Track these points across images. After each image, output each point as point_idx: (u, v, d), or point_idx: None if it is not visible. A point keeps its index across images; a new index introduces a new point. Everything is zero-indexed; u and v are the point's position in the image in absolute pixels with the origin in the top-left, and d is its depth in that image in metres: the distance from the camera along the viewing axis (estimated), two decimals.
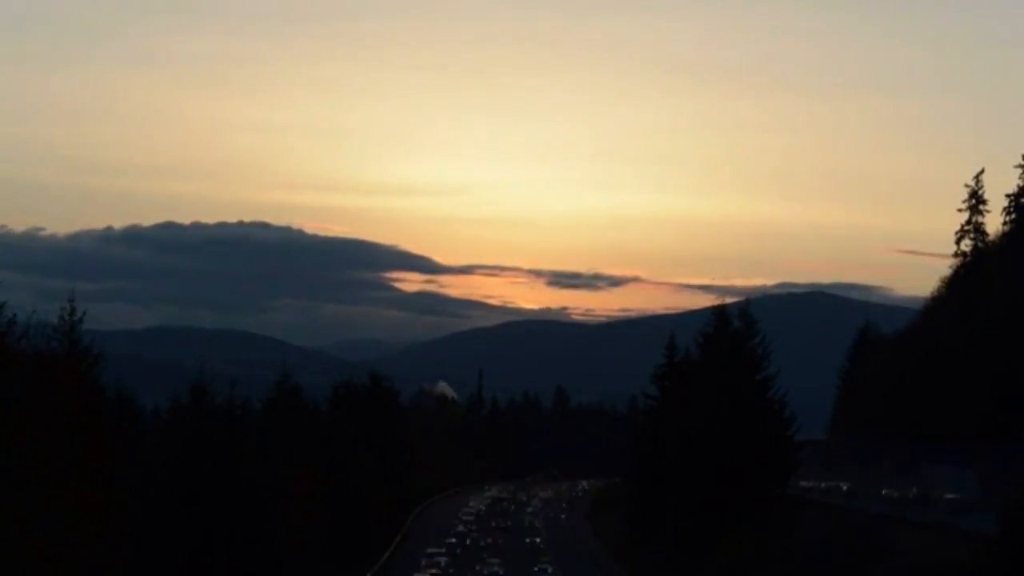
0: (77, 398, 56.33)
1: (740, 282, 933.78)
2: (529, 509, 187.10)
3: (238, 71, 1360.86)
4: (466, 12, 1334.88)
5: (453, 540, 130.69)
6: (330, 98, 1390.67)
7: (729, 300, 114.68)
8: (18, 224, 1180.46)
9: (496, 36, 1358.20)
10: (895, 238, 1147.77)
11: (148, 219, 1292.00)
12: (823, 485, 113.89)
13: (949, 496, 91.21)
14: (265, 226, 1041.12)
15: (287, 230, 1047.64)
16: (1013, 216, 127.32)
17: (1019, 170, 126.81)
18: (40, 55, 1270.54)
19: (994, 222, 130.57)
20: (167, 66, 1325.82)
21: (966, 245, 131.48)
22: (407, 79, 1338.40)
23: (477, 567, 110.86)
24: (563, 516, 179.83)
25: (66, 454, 53.62)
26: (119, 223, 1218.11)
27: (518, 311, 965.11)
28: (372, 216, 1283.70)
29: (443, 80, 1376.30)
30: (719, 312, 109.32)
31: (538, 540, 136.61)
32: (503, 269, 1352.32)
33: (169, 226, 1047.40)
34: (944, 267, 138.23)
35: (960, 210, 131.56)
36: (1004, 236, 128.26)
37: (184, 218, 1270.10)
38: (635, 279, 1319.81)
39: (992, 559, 59.48)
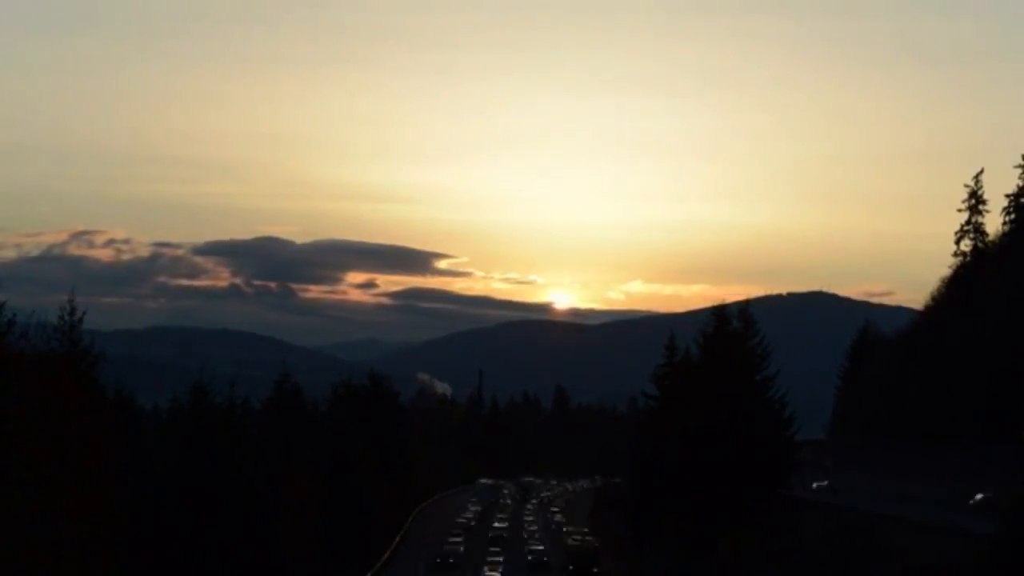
0: (77, 398, 56.24)
1: (741, 287, 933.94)
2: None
3: (245, 76, 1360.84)
4: (469, 15, 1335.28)
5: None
6: (326, 104, 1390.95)
7: (729, 300, 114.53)
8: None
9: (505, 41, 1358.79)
10: (895, 239, 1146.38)
11: (154, 221, 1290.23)
12: (814, 486, 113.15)
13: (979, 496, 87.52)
14: (268, 230, 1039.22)
15: (290, 233, 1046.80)
16: (1013, 216, 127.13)
17: (1019, 170, 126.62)
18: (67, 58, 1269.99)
19: (994, 222, 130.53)
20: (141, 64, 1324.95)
21: (966, 245, 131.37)
22: (413, 85, 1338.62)
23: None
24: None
25: (66, 454, 53.55)
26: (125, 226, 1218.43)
27: (518, 311, 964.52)
28: (372, 218, 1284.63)
29: (447, 85, 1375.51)
30: (719, 312, 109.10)
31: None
32: (503, 270, 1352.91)
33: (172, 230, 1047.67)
34: (944, 268, 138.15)
35: (960, 210, 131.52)
36: (1004, 236, 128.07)
37: (186, 221, 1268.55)
38: (635, 280, 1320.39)
39: (991, 559, 59.41)
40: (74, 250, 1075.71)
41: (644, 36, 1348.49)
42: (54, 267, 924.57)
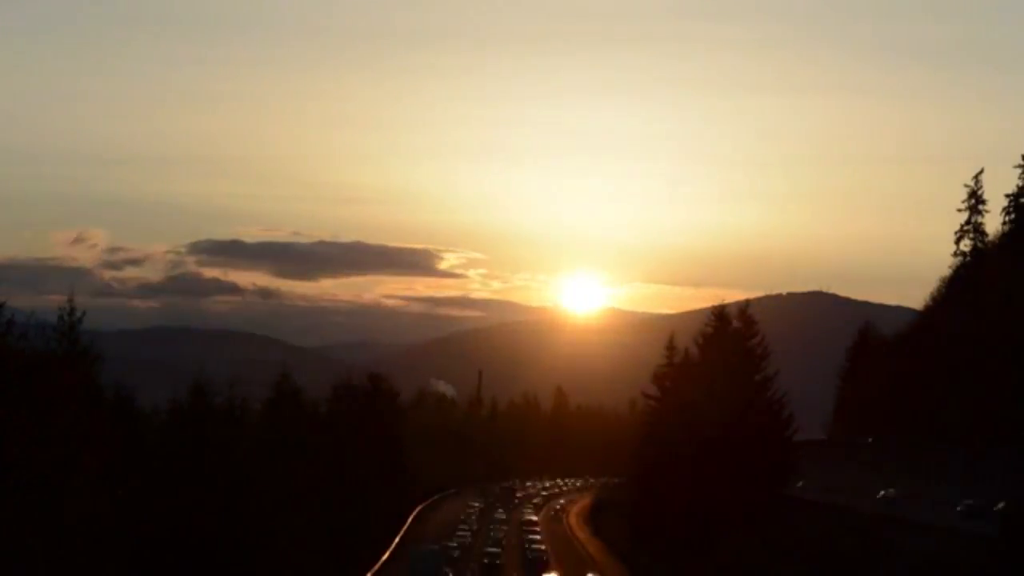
0: (77, 398, 56.30)
1: (741, 287, 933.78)
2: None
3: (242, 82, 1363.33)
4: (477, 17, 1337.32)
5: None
6: (328, 104, 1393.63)
7: (729, 300, 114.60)
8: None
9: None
10: (895, 239, 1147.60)
11: (152, 222, 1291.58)
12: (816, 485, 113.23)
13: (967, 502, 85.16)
14: (268, 231, 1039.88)
15: (289, 234, 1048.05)
16: (1013, 216, 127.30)
17: (1019, 170, 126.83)
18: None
19: (994, 222, 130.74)
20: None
21: (966, 245, 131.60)
22: (412, 86, 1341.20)
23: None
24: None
25: (65, 453, 53.59)
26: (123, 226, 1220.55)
27: (518, 311, 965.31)
28: (373, 219, 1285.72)
29: (449, 87, 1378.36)
30: (719, 312, 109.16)
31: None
32: (504, 270, 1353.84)
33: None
34: (944, 268, 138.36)
35: (960, 210, 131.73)
36: (1004, 236, 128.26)
37: (186, 221, 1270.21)
38: (636, 281, 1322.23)
39: (991, 559, 59.49)
40: (71, 251, 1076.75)
41: (646, 39, 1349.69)
42: (48, 268, 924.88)
